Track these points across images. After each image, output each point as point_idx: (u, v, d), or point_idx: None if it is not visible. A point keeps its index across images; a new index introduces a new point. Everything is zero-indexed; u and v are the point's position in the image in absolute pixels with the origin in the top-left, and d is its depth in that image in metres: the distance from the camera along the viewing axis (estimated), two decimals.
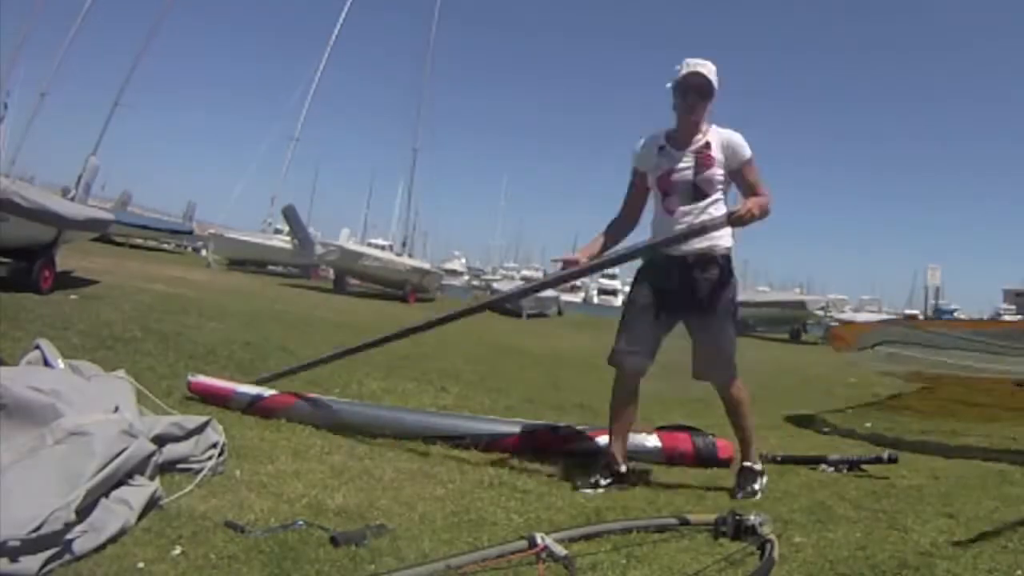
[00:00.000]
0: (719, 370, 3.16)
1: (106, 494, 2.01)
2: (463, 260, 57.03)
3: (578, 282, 47.06)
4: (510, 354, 9.23)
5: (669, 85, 3.13)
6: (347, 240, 25.42)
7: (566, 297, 31.29)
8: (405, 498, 2.60)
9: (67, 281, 7.89)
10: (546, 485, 2.99)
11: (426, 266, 22.68)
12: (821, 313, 27.06)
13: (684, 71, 3.06)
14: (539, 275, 40.17)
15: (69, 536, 1.79)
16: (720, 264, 3.12)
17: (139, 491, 2.11)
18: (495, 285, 27.28)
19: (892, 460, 3.53)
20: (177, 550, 1.94)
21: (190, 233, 29.49)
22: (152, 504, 2.14)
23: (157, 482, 2.24)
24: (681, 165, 3.10)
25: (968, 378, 5.15)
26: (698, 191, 3.09)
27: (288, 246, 21.44)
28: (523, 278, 33.28)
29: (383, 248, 25.88)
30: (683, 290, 3.09)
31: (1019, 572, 2.20)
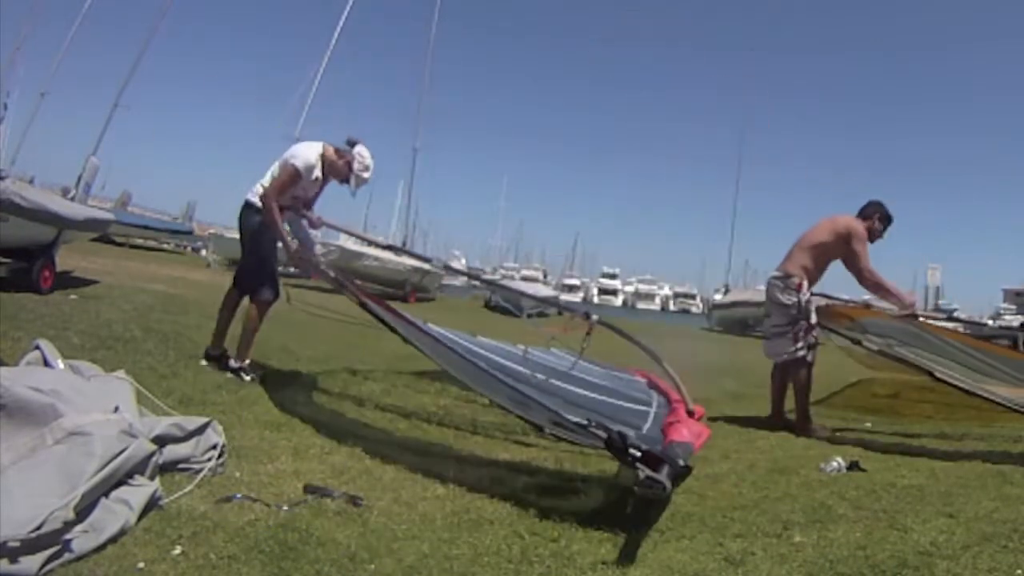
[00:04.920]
0: None
1: (106, 494, 2.01)
2: (463, 260, 56.92)
3: (577, 281, 47.01)
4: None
5: None
6: (347, 240, 25.39)
7: (566, 297, 31.29)
8: (405, 498, 2.60)
9: (67, 281, 7.87)
10: (546, 485, 2.99)
11: (426, 266, 22.66)
12: None
13: None
14: (539, 275, 40.19)
15: (69, 536, 1.80)
16: None
17: (139, 491, 2.11)
18: None
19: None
20: (177, 550, 1.95)
21: (190, 233, 29.47)
22: (152, 504, 2.15)
23: (157, 482, 2.25)
24: None
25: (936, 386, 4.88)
26: None
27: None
28: (523, 278, 33.20)
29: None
30: None
31: (1019, 572, 2.20)
